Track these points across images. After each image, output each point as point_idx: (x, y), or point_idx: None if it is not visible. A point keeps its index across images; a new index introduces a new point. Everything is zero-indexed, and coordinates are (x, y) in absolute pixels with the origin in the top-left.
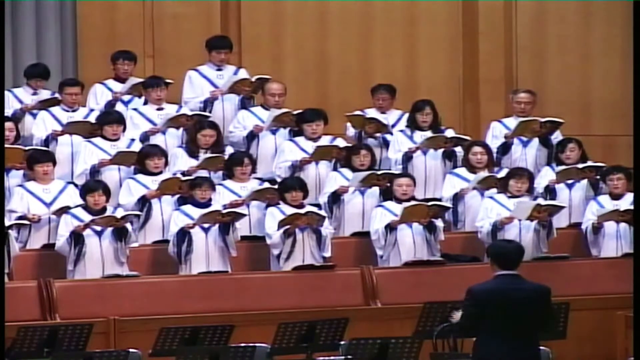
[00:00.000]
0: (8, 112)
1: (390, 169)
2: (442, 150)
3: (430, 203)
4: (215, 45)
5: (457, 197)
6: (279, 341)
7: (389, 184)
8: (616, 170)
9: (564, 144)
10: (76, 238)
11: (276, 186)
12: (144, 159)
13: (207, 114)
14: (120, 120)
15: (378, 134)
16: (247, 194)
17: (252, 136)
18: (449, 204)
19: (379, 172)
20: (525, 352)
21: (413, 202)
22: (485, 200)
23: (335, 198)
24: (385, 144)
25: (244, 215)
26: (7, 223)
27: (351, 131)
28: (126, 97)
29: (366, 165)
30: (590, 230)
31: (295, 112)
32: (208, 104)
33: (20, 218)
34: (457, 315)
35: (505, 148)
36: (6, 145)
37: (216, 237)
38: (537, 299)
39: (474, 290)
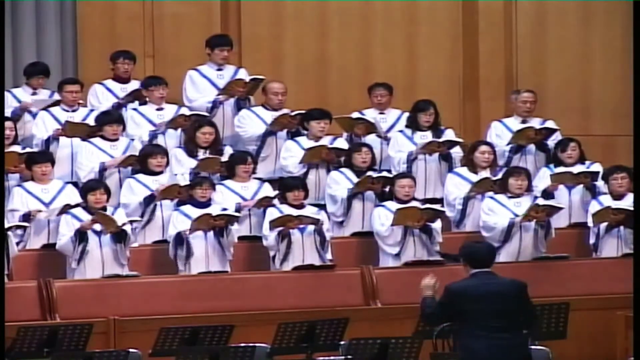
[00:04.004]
0: (7, 111)
1: (389, 170)
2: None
3: (424, 206)
4: (217, 43)
5: (468, 198)
6: (279, 341)
7: (384, 189)
8: (620, 169)
9: (564, 144)
10: (80, 236)
11: (276, 191)
12: (146, 157)
13: (204, 113)
14: (119, 120)
15: (370, 135)
16: (250, 199)
17: (268, 133)
18: (457, 204)
19: (375, 175)
20: (511, 346)
21: (405, 205)
22: (486, 200)
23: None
24: (387, 141)
25: (237, 217)
26: (7, 224)
27: (345, 134)
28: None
29: (367, 164)
30: (604, 227)
31: (294, 113)
32: (218, 103)
33: (24, 216)
34: (426, 283)
35: (517, 148)
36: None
37: (214, 239)
38: (512, 292)
39: (451, 288)
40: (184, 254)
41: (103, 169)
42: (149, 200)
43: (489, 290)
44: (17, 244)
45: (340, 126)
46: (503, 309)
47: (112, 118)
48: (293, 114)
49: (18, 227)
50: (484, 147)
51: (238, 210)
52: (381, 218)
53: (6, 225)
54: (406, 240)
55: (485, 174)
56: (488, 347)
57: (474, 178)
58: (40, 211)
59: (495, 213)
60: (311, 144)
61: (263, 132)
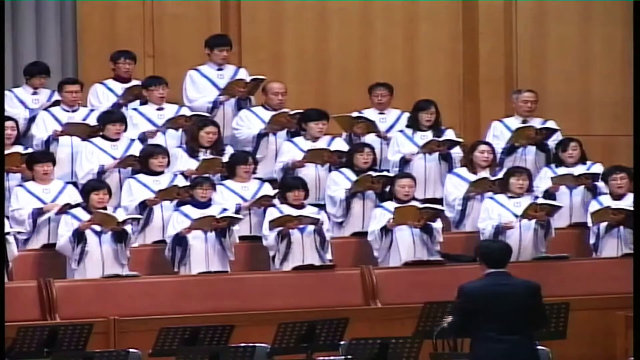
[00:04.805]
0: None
1: (388, 170)
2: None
3: (422, 205)
4: (216, 43)
5: (467, 199)
6: (279, 341)
7: (385, 189)
8: (619, 169)
9: (565, 144)
10: (79, 236)
11: (276, 190)
12: (148, 157)
13: (205, 114)
14: (122, 119)
15: (369, 134)
16: (251, 199)
17: (262, 135)
18: (456, 204)
19: (374, 175)
20: (519, 348)
21: (404, 204)
22: (485, 200)
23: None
24: (387, 142)
25: (240, 219)
26: (7, 229)
27: (344, 134)
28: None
29: (369, 164)
30: (604, 227)
31: (292, 112)
32: (218, 103)
33: (34, 213)
34: (447, 320)
35: (510, 150)
36: (6, 148)
37: (214, 240)
38: (526, 294)
39: (465, 288)
40: (179, 255)
41: (102, 172)
42: (144, 207)
43: (500, 292)
44: (25, 241)
45: (340, 125)
46: (513, 311)
47: (115, 117)
48: (291, 113)
49: (19, 232)
50: (483, 147)
51: (238, 211)
52: (376, 218)
53: (7, 227)
54: (391, 246)
55: (484, 174)
56: (494, 349)
57: (473, 178)
58: (52, 208)
59: (489, 216)
60: (309, 144)
61: (256, 133)
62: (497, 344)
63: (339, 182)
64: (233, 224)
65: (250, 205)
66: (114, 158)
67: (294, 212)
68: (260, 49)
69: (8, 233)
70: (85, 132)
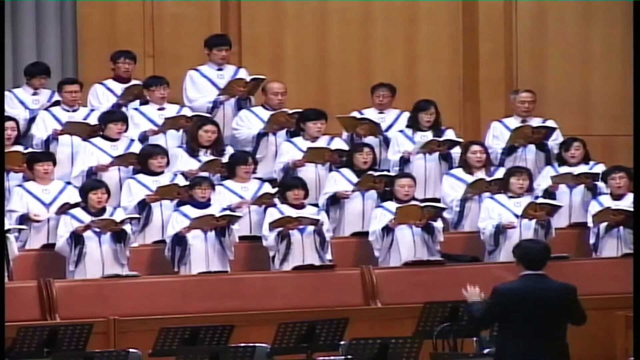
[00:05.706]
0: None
1: (388, 170)
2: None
3: (424, 204)
4: (215, 43)
5: (465, 200)
6: (279, 341)
7: (386, 188)
8: (618, 169)
9: (568, 143)
10: (76, 239)
11: (276, 189)
12: (147, 158)
13: (206, 114)
14: (124, 118)
15: (371, 136)
16: (250, 199)
17: (262, 135)
18: (454, 206)
19: (376, 174)
20: (549, 352)
21: (407, 203)
22: (485, 200)
23: (335, 200)
24: (386, 143)
25: (239, 217)
26: (7, 226)
27: (345, 134)
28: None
29: (369, 164)
30: (604, 227)
31: (291, 112)
32: (218, 103)
33: (21, 217)
34: (472, 291)
35: (510, 149)
36: (6, 148)
37: (214, 239)
38: (562, 298)
39: (499, 289)
40: (179, 255)
41: (92, 173)
42: (143, 206)
43: (536, 295)
44: (25, 243)
45: (343, 125)
46: (546, 315)
47: (117, 116)
48: (290, 112)
49: (15, 229)
50: (475, 147)
51: (231, 209)
52: (377, 218)
53: (5, 227)
54: (392, 246)
55: (481, 174)
56: (526, 350)
57: (470, 179)
58: (38, 218)
59: (489, 216)
60: (308, 144)
61: (256, 133)
62: (528, 347)
63: (338, 182)
64: (232, 223)
65: (251, 203)
66: (113, 158)
67: (294, 213)
68: (260, 49)
69: (9, 230)
70: (86, 132)
